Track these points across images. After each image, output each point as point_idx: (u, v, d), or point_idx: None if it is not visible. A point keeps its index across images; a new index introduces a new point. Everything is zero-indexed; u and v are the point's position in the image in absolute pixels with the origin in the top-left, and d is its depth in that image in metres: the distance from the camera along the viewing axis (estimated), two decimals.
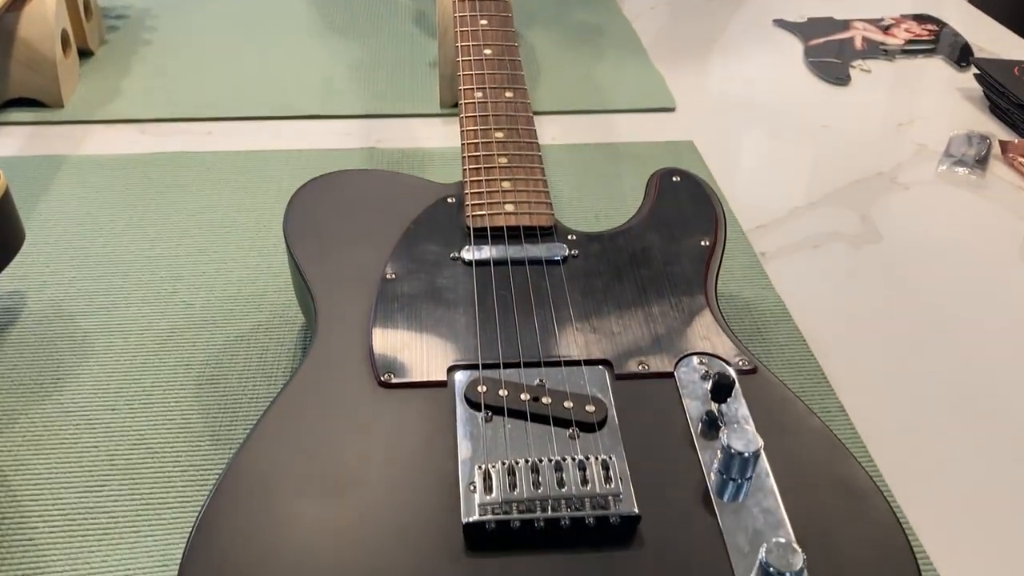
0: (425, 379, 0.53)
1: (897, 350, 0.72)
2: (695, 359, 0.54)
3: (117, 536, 0.55)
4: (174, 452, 0.61)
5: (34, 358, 0.68)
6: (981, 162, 0.95)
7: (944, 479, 0.62)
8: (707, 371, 0.53)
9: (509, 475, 0.46)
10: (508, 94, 0.80)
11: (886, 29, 1.24)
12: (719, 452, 0.47)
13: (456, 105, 0.99)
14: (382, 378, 0.52)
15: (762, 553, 0.42)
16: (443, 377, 0.53)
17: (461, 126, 0.76)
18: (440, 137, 0.98)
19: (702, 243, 0.64)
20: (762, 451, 0.47)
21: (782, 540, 0.42)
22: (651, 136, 1.00)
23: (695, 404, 0.52)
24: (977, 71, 1.09)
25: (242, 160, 0.92)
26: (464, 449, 0.48)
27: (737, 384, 0.52)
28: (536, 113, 1.01)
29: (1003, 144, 0.98)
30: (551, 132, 1.00)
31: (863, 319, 0.75)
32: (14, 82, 0.97)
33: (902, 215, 0.89)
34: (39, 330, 0.70)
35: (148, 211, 0.84)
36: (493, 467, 0.46)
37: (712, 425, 0.50)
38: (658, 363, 0.54)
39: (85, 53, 1.09)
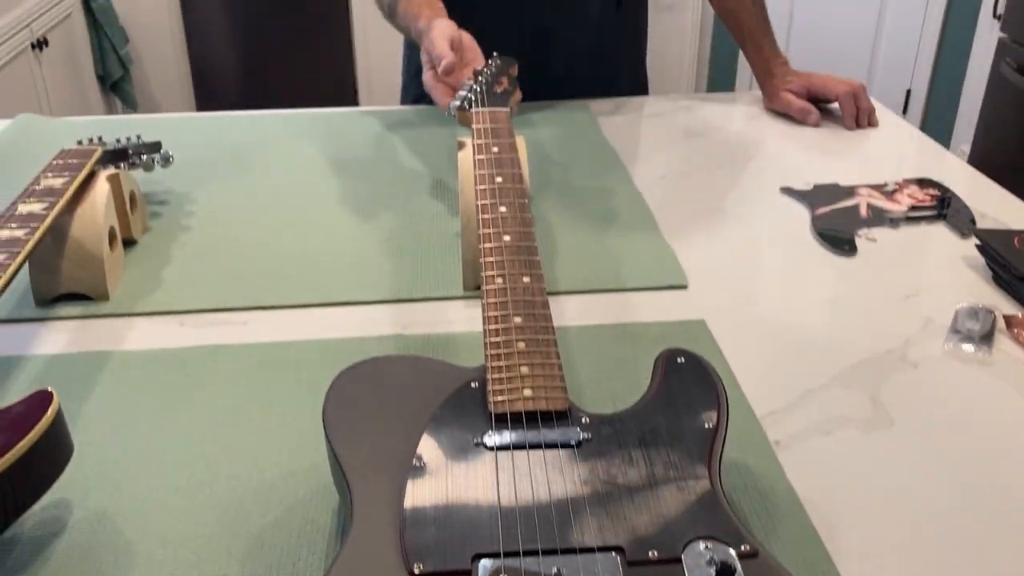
0: (451, 568, 0.58)
1: (911, 541, 0.74)
2: (701, 544, 0.60)
3: None
4: None
5: (80, 570, 0.71)
6: (987, 337, 0.98)
7: None
8: (712, 556, 0.59)
9: None
10: (525, 279, 0.86)
11: (890, 195, 1.29)
12: None
13: (478, 288, 1.04)
14: (413, 570, 0.58)
15: None
16: (467, 566, 0.58)
17: (483, 311, 0.82)
18: (464, 321, 1.03)
19: (706, 425, 0.70)
20: None
21: None
22: (664, 315, 1.04)
23: None
24: (978, 242, 1.13)
25: (276, 352, 0.97)
26: None
27: (739, 569, 0.58)
28: (553, 293, 1.07)
29: (1007, 319, 1.01)
30: (568, 313, 1.05)
31: (875, 511, 0.77)
32: (64, 279, 1.04)
33: (913, 397, 0.91)
34: (83, 540, 0.74)
35: (186, 408, 0.89)
36: None
37: None
38: (667, 549, 0.60)
39: (129, 242, 1.16)
